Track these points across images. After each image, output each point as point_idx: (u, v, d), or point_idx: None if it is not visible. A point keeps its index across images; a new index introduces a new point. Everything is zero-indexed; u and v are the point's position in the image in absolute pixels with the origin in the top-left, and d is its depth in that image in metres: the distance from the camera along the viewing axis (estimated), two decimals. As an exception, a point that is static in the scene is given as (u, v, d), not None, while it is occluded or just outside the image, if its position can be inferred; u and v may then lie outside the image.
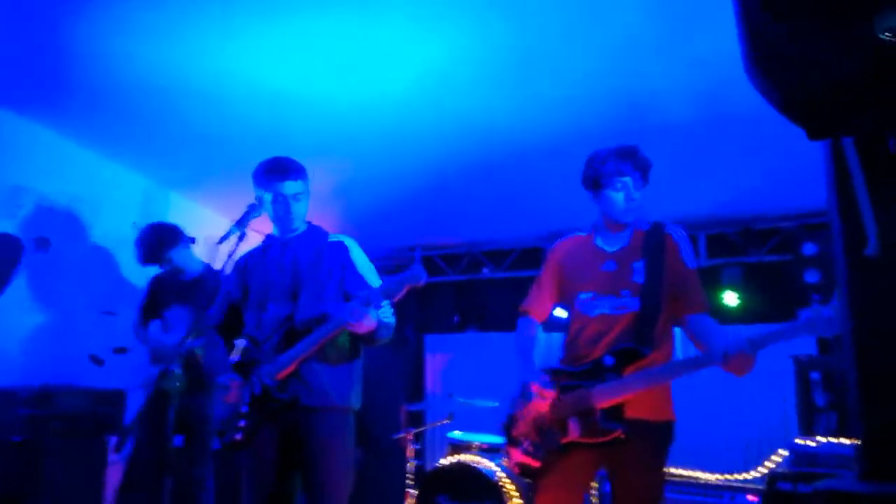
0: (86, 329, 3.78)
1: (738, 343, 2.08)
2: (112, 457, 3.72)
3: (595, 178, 2.46)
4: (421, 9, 3.09)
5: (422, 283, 2.27)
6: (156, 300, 3.78)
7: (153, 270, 3.87)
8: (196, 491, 3.58)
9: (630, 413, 2.24)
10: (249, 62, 3.51)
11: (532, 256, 5.94)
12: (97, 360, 4.24)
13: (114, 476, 3.75)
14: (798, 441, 3.41)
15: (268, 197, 2.62)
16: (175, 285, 3.72)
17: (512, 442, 2.46)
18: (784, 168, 4.26)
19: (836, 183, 1.19)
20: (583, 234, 2.59)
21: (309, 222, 2.76)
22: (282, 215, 2.62)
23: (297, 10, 3.11)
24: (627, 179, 2.40)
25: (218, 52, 3.43)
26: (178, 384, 3.41)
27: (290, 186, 2.60)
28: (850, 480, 1.31)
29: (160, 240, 3.64)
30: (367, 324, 2.36)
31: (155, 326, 3.78)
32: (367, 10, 3.10)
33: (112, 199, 4.65)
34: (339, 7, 3.09)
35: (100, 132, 4.38)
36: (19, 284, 4.14)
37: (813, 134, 0.97)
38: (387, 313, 2.54)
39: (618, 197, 2.42)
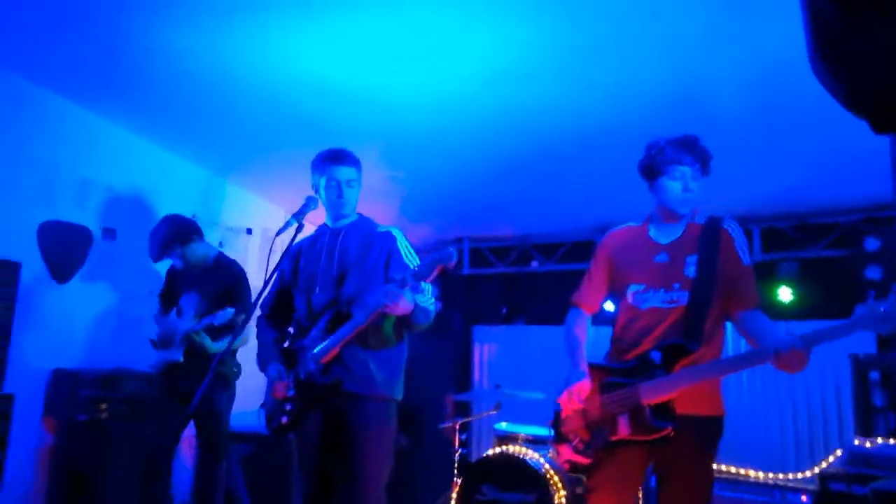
0: (148, 315, 3.92)
1: (791, 339, 2.04)
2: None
3: (652, 166, 2.43)
4: (474, 8, 3.10)
5: (453, 262, 2.27)
6: (173, 288, 3.83)
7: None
8: (208, 489, 3.58)
9: (680, 409, 2.22)
10: (303, 56, 3.59)
11: (582, 250, 5.89)
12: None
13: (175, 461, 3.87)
14: (854, 442, 3.33)
15: (322, 181, 2.70)
16: (189, 273, 3.78)
17: (560, 439, 2.46)
18: (844, 160, 4.12)
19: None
20: (636, 225, 2.56)
21: (360, 213, 2.83)
22: (334, 200, 2.69)
23: (350, 4, 3.16)
24: (686, 169, 2.37)
25: (273, 46, 3.51)
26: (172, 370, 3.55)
27: (343, 172, 2.69)
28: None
29: (171, 236, 3.66)
30: (403, 306, 2.37)
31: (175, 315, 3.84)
32: (421, 2, 3.13)
33: (173, 189, 4.81)
34: (393, 3, 3.12)
35: (160, 125, 4.54)
36: (87, 272, 4.34)
37: (878, 127, 0.95)
38: (425, 298, 2.54)
39: (675, 186, 2.39)
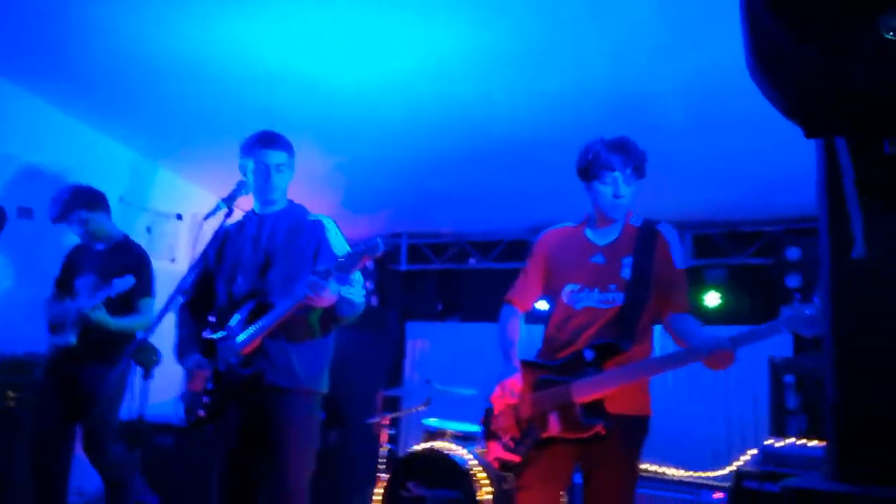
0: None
1: (720, 339, 2.12)
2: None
3: (586, 170, 2.43)
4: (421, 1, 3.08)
5: (379, 252, 2.22)
6: (69, 272, 3.59)
7: None
8: (109, 478, 3.39)
9: (610, 408, 2.25)
10: (247, 40, 3.50)
11: (519, 249, 5.94)
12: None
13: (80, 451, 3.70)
14: (768, 441, 3.46)
15: (250, 165, 2.59)
16: (89, 254, 3.56)
17: (490, 436, 2.46)
18: (771, 173, 4.30)
19: (827, 183, 1.20)
20: (573, 225, 2.58)
21: (290, 200, 2.73)
22: (261, 184, 2.58)
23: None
24: (617, 174, 2.37)
25: (215, 28, 3.41)
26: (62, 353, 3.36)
27: (273, 156, 2.58)
28: (817, 479, 1.33)
29: (76, 198, 3.46)
30: (327, 297, 2.30)
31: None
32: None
33: (99, 170, 4.57)
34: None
35: (89, 102, 4.34)
36: (0, 251, 4.10)
37: (811, 132, 0.98)
38: (353, 290, 2.46)
39: (606, 190, 2.39)
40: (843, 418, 1.21)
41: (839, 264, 1.21)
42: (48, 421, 3.39)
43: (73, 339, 3.34)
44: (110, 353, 3.31)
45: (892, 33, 0.81)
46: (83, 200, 3.47)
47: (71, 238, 3.71)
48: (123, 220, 4.82)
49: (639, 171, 2.41)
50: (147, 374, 3.01)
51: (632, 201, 2.45)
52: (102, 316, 3.28)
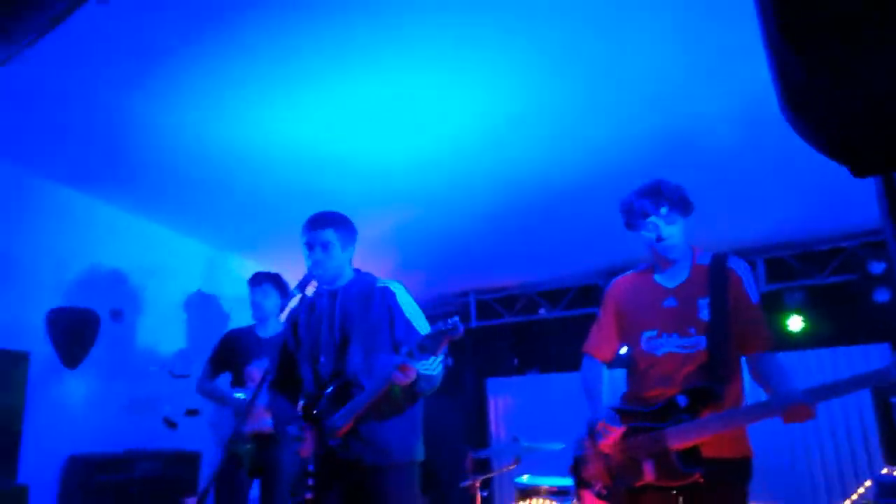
0: (159, 393, 3.91)
1: (794, 394, 2.09)
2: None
3: (628, 224, 2.46)
4: (461, 63, 3.19)
5: (459, 335, 2.21)
6: (228, 355, 3.74)
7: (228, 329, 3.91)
8: None
9: (707, 453, 2.18)
10: (295, 128, 3.67)
11: (588, 294, 5.89)
12: (171, 423, 4.37)
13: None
14: (883, 471, 3.26)
15: (304, 249, 2.68)
16: (253, 340, 3.69)
17: (582, 484, 2.42)
18: (840, 186, 4.13)
19: (890, 212, 1.17)
20: (640, 271, 2.57)
21: (357, 269, 2.79)
22: (313, 264, 2.62)
23: (338, 75, 3.25)
24: (653, 219, 2.37)
25: (263, 119, 3.60)
26: (248, 446, 3.38)
27: (317, 236, 2.64)
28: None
29: (268, 276, 3.75)
30: (409, 377, 2.33)
31: (224, 380, 3.74)
32: (409, 69, 3.22)
33: (176, 267, 4.86)
34: (378, 69, 3.21)
35: (160, 204, 4.61)
36: (96, 355, 4.35)
37: (857, 172, 0.97)
38: (429, 365, 2.45)
39: (650, 236, 2.39)
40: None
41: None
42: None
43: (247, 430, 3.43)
44: (279, 435, 3.46)
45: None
46: (277, 282, 3.75)
47: (154, 333, 3.86)
48: (203, 310, 5.07)
49: (679, 206, 2.39)
50: (240, 464, 3.06)
51: (686, 237, 2.43)
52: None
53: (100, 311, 4.40)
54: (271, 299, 3.74)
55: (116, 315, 4.49)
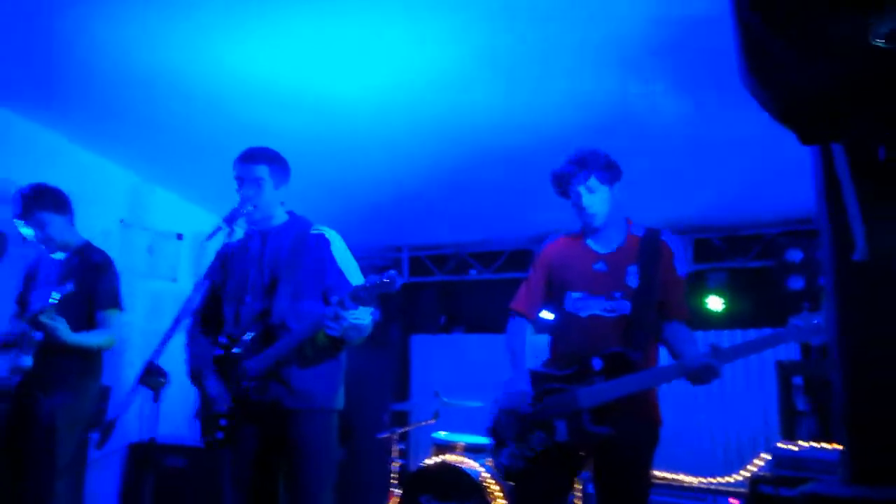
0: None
1: (700, 357, 2.21)
2: (94, 454, 3.66)
3: (557, 190, 2.54)
4: (414, 9, 3.09)
5: (396, 288, 2.21)
6: (28, 286, 3.29)
7: None
8: None
9: (617, 416, 2.26)
10: (240, 58, 3.50)
11: (520, 258, 5.95)
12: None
13: (96, 474, 3.66)
14: (780, 445, 3.45)
15: (236, 182, 2.60)
16: (47, 265, 3.24)
17: (498, 444, 2.46)
18: (769, 176, 4.31)
19: (825, 188, 1.20)
20: (574, 234, 2.61)
21: (291, 212, 2.72)
22: (244, 199, 2.55)
23: (290, 7, 3.11)
24: (580, 187, 2.44)
25: (207, 47, 3.41)
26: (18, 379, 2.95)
27: (249, 170, 2.57)
28: (835, 484, 1.33)
29: (39, 197, 3.14)
30: (340, 326, 2.32)
31: None
32: (362, 10, 3.10)
33: (98, 193, 4.60)
34: (331, 4, 3.08)
35: (86, 126, 4.35)
36: (1, 277, 4.10)
37: (805, 139, 0.99)
38: (359, 314, 2.42)
39: (577, 204, 2.48)
40: (854, 423, 1.21)
41: (842, 268, 1.21)
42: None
43: (28, 360, 2.98)
44: (69, 377, 3.02)
45: (879, 40, 0.82)
46: (47, 201, 3.15)
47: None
48: (124, 242, 4.85)
49: (604, 174, 2.45)
50: (156, 398, 2.90)
51: (616, 205, 2.49)
52: (51, 323, 2.88)
53: (6, 231, 4.13)
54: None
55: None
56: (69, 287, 2.94)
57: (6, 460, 3.02)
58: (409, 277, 6.37)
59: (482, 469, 3.93)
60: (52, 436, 2.96)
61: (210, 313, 2.72)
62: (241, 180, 2.58)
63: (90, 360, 3.12)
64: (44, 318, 2.87)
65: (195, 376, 2.61)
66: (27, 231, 3.20)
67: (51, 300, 2.87)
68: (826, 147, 1.20)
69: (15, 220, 3.20)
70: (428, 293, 6.45)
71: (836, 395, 1.22)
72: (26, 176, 4.20)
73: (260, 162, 2.60)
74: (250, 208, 2.56)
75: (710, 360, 2.18)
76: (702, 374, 2.19)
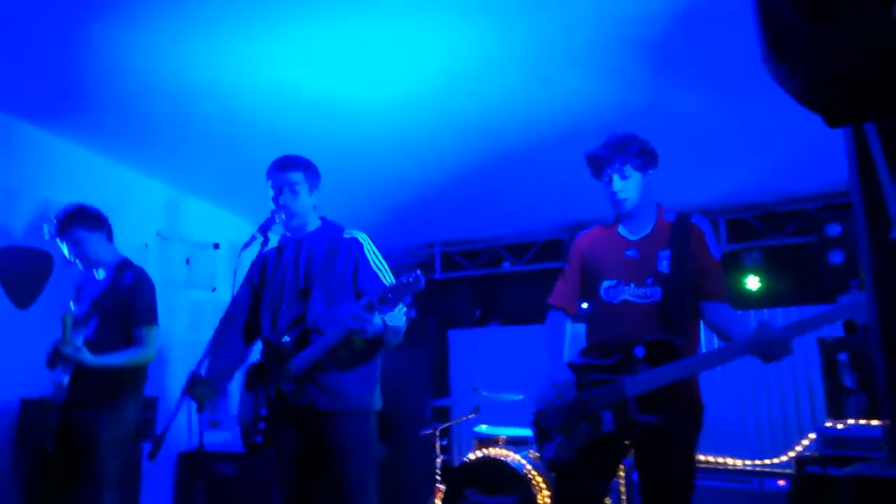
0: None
1: (773, 329, 2.11)
2: (146, 464, 3.75)
3: (593, 174, 2.51)
4: (435, 8, 3.10)
5: (421, 287, 2.21)
6: (79, 305, 3.34)
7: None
8: None
9: (663, 403, 2.24)
10: (264, 66, 3.55)
11: (552, 248, 5.93)
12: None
13: (150, 484, 3.73)
14: (827, 424, 3.39)
15: (271, 191, 2.65)
16: (89, 282, 3.32)
17: (543, 437, 2.47)
18: (802, 149, 4.22)
19: (859, 167, 1.18)
20: (606, 225, 2.60)
21: (323, 218, 2.76)
22: (280, 206, 2.61)
23: (313, 13, 3.14)
24: (609, 171, 2.42)
25: (234, 56, 3.46)
26: (63, 395, 3.04)
27: (284, 177, 2.62)
28: (880, 465, 1.31)
29: (75, 216, 3.24)
30: (371, 330, 2.34)
31: None
32: (384, 10, 3.12)
33: (135, 207, 4.71)
34: (354, 8, 3.10)
35: (121, 142, 4.44)
36: (49, 296, 4.22)
37: (831, 122, 0.97)
38: (395, 316, 2.45)
39: (608, 189, 2.45)
40: (898, 402, 1.19)
41: (878, 247, 1.19)
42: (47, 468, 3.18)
43: (66, 377, 3.07)
44: (107, 392, 3.08)
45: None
46: (81, 219, 3.24)
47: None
48: (162, 254, 4.96)
49: (638, 161, 2.43)
50: (201, 408, 2.95)
51: (649, 192, 2.47)
52: (74, 353, 3.00)
53: (52, 252, 4.26)
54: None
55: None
56: (92, 326, 3.07)
57: (55, 474, 3.13)
58: (442, 273, 6.39)
59: (525, 461, 3.94)
60: (96, 450, 3.05)
61: (245, 319, 2.77)
62: (279, 188, 2.63)
63: (130, 374, 3.19)
64: (65, 350, 2.99)
65: (209, 381, 2.61)
66: (66, 250, 3.30)
67: (79, 336, 3.01)
68: (858, 126, 1.17)
69: (56, 240, 3.30)
70: (462, 288, 6.47)
71: (879, 375, 1.20)
72: (64, 195, 4.32)
73: (295, 169, 2.66)
74: (283, 217, 2.61)
75: (782, 334, 2.09)
76: (775, 347, 2.10)
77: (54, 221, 3.26)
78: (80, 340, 3.04)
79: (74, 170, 4.43)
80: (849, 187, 1.37)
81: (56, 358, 3.09)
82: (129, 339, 3.17)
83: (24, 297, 4.10)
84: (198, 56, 3.46)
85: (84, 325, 3.11)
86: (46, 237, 3.32)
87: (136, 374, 3.23)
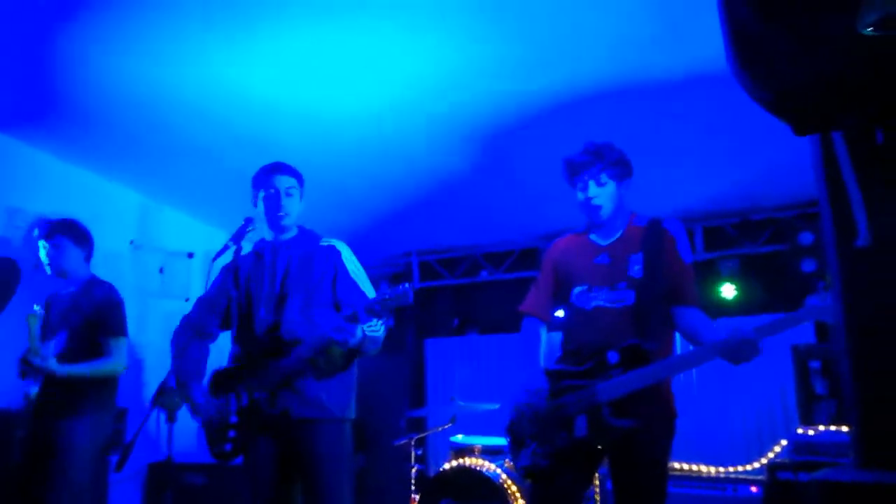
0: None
1: (742, 330, 2.12)
2: (114, 475, 3.69)
3: (568, 178, 2.52)
4: (407, 18, 3.10)
5: (409, 302, 2.22)
6: (49, 319, 3.32)
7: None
8: None
9: (636, 408, 2.25)
10: (239, 74, 3.52)
11: (530, 257, 5.94)
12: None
13: (118, 495, 3.67)
14: (798, 430, 3.43)
15: (261, 194, 2.63)
16: (60, 298, 3.33)
17: (517, 444, 2.46)
18: (778, 159, 4.28)
19: (826, 175, 1.20)
20: (578, 232, 2.61)
21: (301, 226, 2.74)
22: (273, 210, 2.60)
23: (287, 21, 3.12)
24: (586, 178, 2.44)
25: (206, 64, 3.43)
26: (30, 405, 3.05)
27: (283, 181, 2.62)
28: (847, 469, 1.32)
29: (64, 224, 3.30)
30: (352, 341, 2.35)
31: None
32: (356, 20, 3.11)
33: (108, 216, 4.64)
34: (326, 17, 3.10)
35: (92, 150, 4.38)
36: (15, 307, 4.13)
37: (799, 130, 0.98)
38: (374, 326, 2.45)
39: (580, 195, 2.47)
40: (863, 407, 1.20)
41: (845, 254, 1.20)
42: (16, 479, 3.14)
43: (35, 388, 3.07)
44: (75, 403, 3.07)
45: (868, 29, 0.81)
46: (71, 231, 3.30)
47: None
48: (135, 263, 4.88)
49: (614, 170, 2.44)
50: (171, 418, 2.90)
51: (622, 201, 2.49)
52: (42, 364, 3.00)
53: (20, 261, 4.17)
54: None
55: (39, 265, 4.27)
56: (62, 339, 3.08)
57: (25, 485, 3.08)
58: (419, 283, 6.38)
59: (501, 471, 3.93)
60: (67, 460, 3.03)
61: (218, 322, 2.73)
62: (277, 192, 2.61)
63: (100, 385, 3.18)
64: (33, 360, 2.99)
65: (181, 385, 2.61)
66: (43, 253, 3.32)
67: (48, 349, 3.03)
68: (826, 135, 1.19)
69: (39, 241, 3.34)
70: (440, 296, 6.46)
71: (845, 381, 1.21)
72: (36, 204, 4.25)
73: (290, 174, 2.67)
74: (283, 217, 2.61)
75: (750, 335, 2.09)
76: (744, 349, 2.11)
77: (45, 225, 3.31)
78: (49, 350, 3.04)
79: (47, 178, 4.36)
80: (817, 196, 1.39)
81: (25, 367, 3.08)
82: (98, 351, 3.17)
83: (-10, 306, 4.00)
84: (171, 65, 3.43)
85: (53, 337, 3.12)
86: (35, 234, 3.36)
87: (106, 385, 3.22)
